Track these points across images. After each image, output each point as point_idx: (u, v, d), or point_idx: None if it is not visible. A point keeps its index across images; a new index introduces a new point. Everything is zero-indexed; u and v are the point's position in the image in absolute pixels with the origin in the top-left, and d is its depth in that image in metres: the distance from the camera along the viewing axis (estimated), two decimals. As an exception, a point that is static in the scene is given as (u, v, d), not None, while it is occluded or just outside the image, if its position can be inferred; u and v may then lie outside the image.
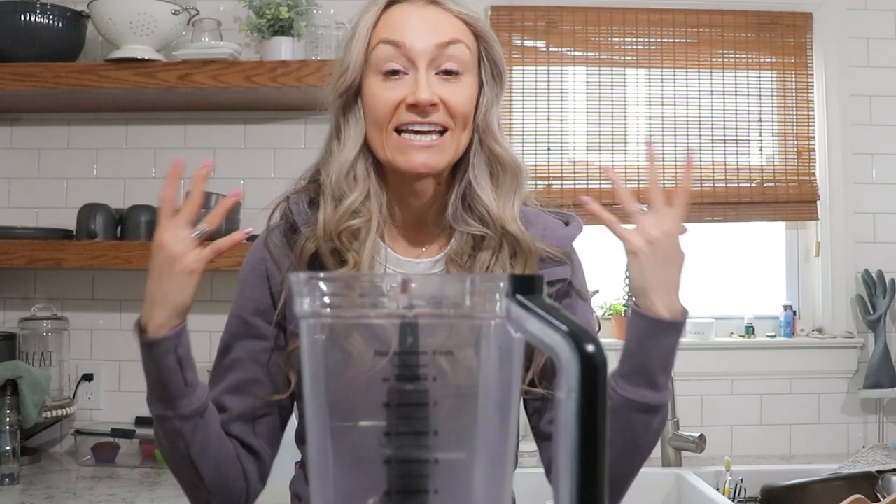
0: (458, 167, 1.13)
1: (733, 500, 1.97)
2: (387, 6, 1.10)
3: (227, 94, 2.13)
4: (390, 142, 1.07)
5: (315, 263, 1.09)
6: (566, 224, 1.19)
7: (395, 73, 1.06)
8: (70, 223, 2.17)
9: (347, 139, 1.10)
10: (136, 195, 2.25)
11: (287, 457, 1.27)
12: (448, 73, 1.07)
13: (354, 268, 1.06)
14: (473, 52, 1.10)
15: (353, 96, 1.09)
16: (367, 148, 1.10)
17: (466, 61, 1.08)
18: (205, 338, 2.02)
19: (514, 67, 2.38)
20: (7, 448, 1.88)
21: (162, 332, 0.99)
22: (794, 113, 2.41)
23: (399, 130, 1.06)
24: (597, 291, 2.26)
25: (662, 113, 2.40)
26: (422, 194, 1.12)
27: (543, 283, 0.57)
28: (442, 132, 1.06)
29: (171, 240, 0.98)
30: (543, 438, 1.17)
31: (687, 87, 2.40)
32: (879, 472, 1.90)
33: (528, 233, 1.12)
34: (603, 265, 2.37)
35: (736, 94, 2.41)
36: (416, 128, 1.05)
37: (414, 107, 1.04)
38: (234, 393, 1.11)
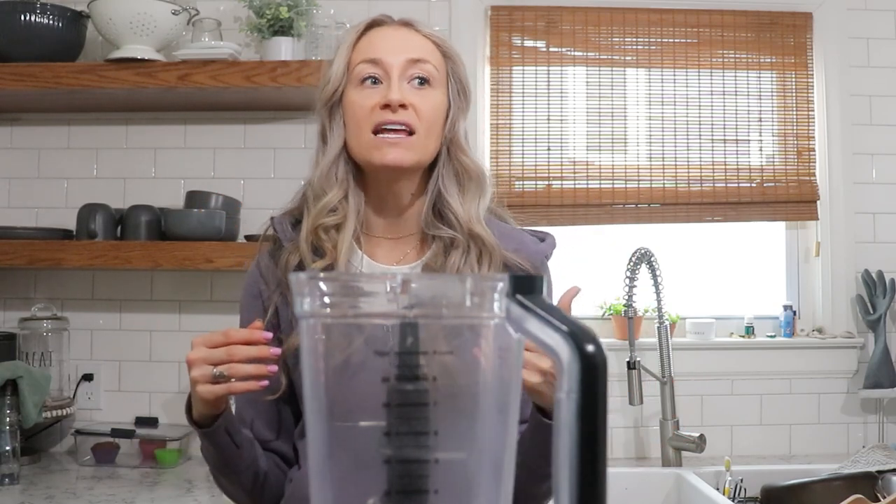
0: (430, 178, 1.25)
1: (733, 500, 1.97)
2: (366, 29, 1.25)
3: (227, 94, 2.13)
4: (367, 141, 1.19)
5: None
6: (541, 241, 1.28)
7: (371, 81, 1.20)
8: (70, 223, 2.17)
9: (330, 146, 1.22)
10: (136, 195, 2.25)
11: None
12: (419, 81, 1.21)
13: (331, 258, 1.17)
14: (441, 71, 1.25)
15: (336, 104, 1.23)
16: (346, 153, 1.23)
17: (435, 76, 1.22)
18: (205, 338, 2.02)
19: (514, 67, 2.38)
20: (7, 448, 1.88)
21: (205, 420, 1.13)
22: (794, 113, 2.41)
23: (375, 132, 1.18)
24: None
25: (662, 113, 2.40)
26: (399, 196, 1.23)
27: (543, 283, 0.57)
28: (410, 133, 1.19)
29: (196, 364, 1.05)
30: None
31: (687, 87, 2.40)
32: (879, 472, 1.90)
33: (502, 245, 1.21)
34: (602, 265, 2.38)
35: (736, 94, 2.41)
36: (389, 126, 1.18)
37: (386, 106, 1.17)
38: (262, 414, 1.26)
